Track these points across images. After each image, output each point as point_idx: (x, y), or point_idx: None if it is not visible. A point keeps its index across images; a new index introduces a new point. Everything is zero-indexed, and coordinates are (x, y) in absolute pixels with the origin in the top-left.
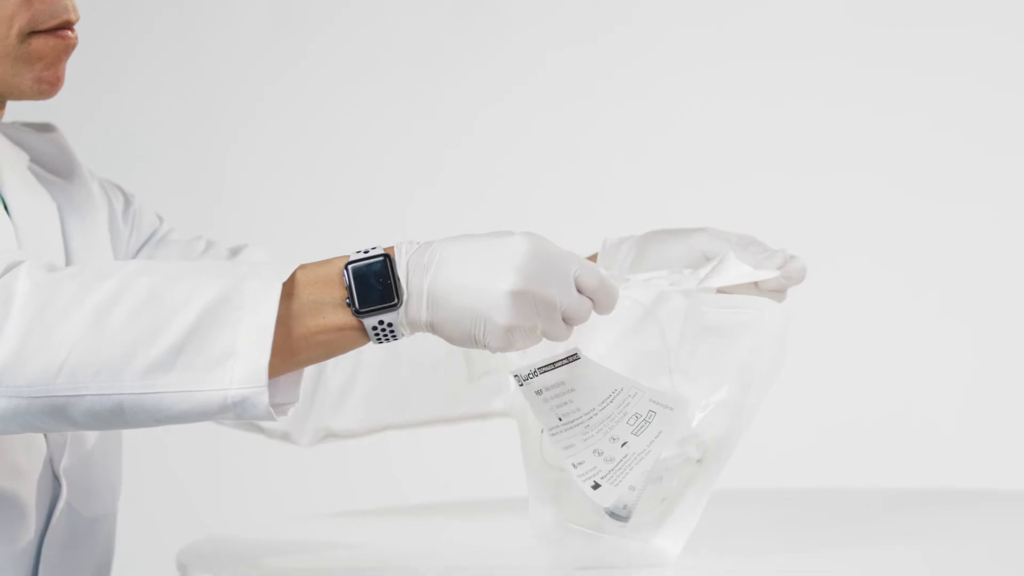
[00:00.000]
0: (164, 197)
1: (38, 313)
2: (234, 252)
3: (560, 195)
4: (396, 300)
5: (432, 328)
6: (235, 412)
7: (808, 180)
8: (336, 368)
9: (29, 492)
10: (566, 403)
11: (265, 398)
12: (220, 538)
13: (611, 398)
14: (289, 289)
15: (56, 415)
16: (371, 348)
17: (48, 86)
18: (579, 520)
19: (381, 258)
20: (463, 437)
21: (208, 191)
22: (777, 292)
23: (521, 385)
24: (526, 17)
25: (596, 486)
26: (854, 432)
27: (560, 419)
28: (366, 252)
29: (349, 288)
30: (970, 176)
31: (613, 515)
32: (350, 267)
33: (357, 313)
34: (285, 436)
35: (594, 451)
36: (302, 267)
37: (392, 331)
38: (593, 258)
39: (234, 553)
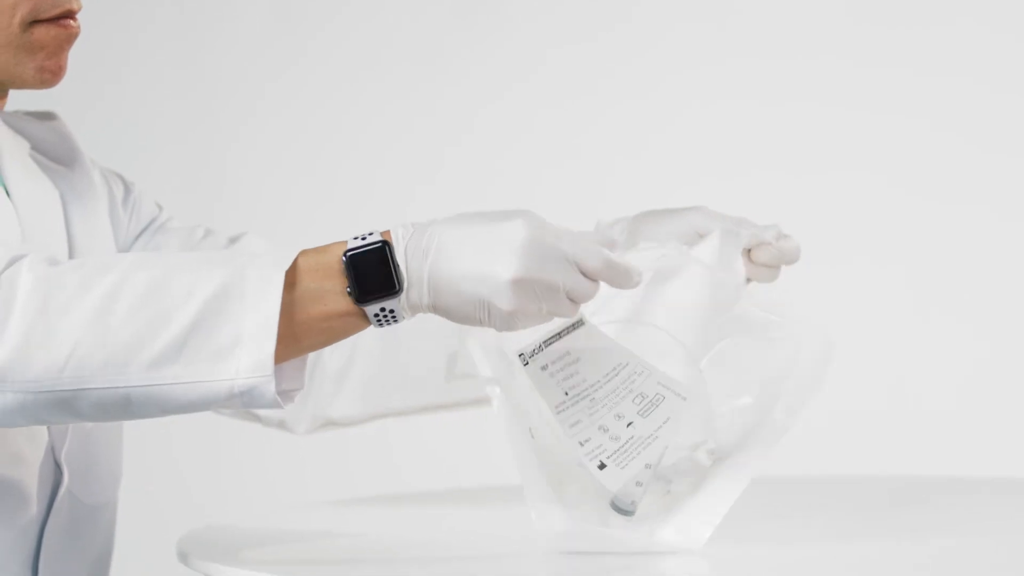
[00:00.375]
0: (164, 193)
1: (41, 308)
2: (232, 240)
3: (560, 193)
4: (397, 287)
5: (434, 311)
6: (242, 401)
7: (808, 180)
8: (333, 354)
9: (30, 479)
10: (572, 375)
11: (272, 386)
12: (221, 526)
13: (616, 371)
14: (291, 278)
15: (63, 408)
16: (369, 333)
17: (50, 75)
18: (582, 515)
19: (379, 244)
20: (464, 424)
21: (208, 188)
22: (770, 268)
23: (526, 364)
24: (527, 15)
25: (602, 466)
26: (857, 425)
27: (566, 393)
28: (363, 238)
29: (349, 277)
30: (970, 176)
31: (618, 509)
32: (348, 256)
33: (358, 301)
34: (282, 424)
35: (600, 427)
36: (303, 253)
37: (394, 315)
38: None
39: (235, 541)
